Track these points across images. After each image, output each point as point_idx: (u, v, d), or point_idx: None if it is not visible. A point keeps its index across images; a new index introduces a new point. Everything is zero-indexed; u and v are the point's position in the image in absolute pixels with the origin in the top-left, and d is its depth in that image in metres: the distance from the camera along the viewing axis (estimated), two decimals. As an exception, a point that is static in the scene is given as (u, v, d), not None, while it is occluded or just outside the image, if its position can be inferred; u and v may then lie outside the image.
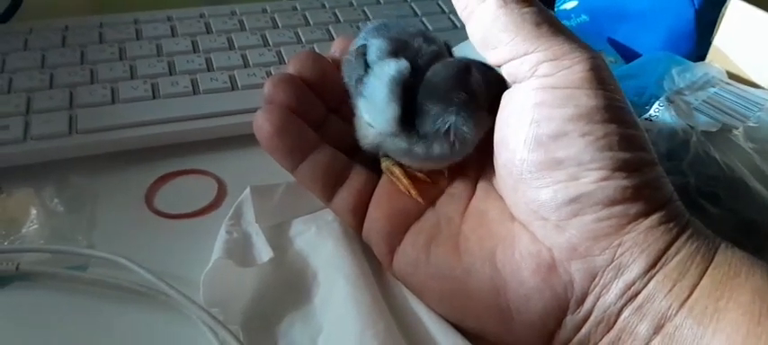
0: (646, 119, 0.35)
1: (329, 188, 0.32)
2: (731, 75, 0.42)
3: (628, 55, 0.49)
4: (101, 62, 0.45)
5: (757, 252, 0.32)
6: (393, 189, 0.31)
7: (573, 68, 0.26)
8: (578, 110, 0.25)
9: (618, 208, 0.25)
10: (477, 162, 0.31)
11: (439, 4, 0.56)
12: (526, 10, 0.27)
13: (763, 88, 0.41)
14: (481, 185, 0.31)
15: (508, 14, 0.26)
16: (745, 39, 0.42)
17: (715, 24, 0.44)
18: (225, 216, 0.34)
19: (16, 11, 0.53)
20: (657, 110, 0.35)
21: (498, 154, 0.28)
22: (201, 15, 0.52)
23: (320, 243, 0.32)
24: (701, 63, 0.41)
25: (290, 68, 0.33)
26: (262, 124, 0.31)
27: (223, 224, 0.33)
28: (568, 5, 0.52)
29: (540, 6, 0.27)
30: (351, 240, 0.32)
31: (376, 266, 0.32)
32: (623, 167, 0.25)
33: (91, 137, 0.40)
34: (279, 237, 0.34)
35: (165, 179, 0.39)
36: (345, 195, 0.32)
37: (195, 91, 0.43)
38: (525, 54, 0.26)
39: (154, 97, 0.43)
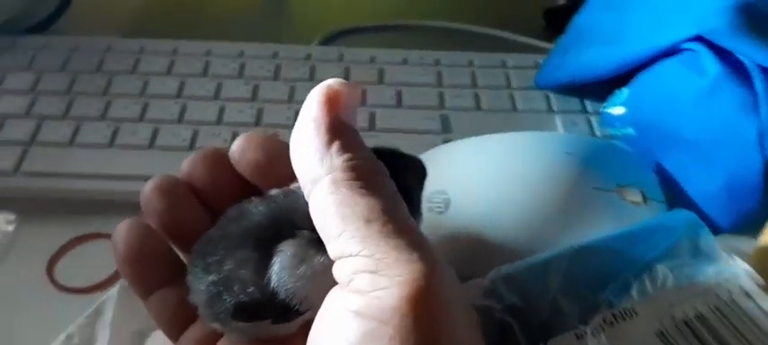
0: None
1: (176, 328, 0.28)
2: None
3: (677, 193, 0.38)
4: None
5: None
6: None
7: (389, 291, 0.20)
8: None
9: None
10: None
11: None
12: (359, 201, 0.21)
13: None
14: None
15: (337, 204, 0.21)
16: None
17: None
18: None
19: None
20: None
21: None
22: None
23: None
24: (726, 255, 0.30)
25: (183, 169, 0.30)
26: (117, 242, 0.27)
27: (74, 322, 0.31)
28: (615, 110, 0.41)
29: (387, 195, 0.22)
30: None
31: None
32: None
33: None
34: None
35: (70, 245, 0.37)
36: (189, 337, 0.28)
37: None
38: (349, 255, 0.21)
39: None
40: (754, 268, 0.34)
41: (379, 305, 0.20)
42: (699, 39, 0.37)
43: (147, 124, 0.43)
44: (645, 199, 0.36)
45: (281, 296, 0.24)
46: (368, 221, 0.21)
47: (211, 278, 0.25)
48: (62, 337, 0.30)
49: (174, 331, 0.28)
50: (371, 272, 0.20)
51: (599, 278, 0.28)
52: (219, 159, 0.29)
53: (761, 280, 0.30)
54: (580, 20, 0.47)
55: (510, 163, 0.36)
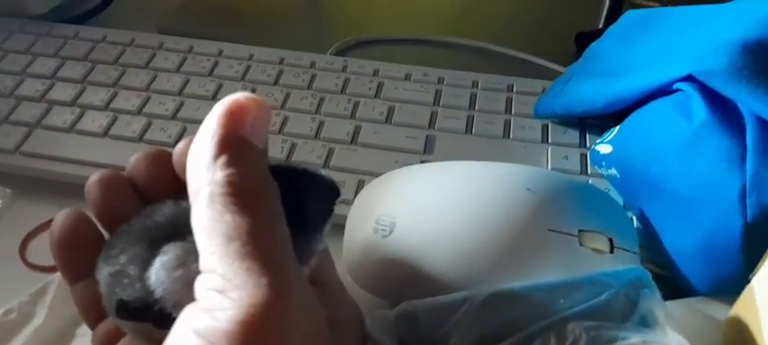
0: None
1: (92, 319, 0.29)
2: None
3: (655, 247, 0.34)
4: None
5: None
6: None
7: (226, 313, 0.20)
8: None
9: None
10: None
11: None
12: (227, 218, 0.21)
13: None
14: None
15: (208, 218, 0.22)
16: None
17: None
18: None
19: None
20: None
21: None
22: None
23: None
24: (664, 324, 0.27)
25: (128, 165, 0.31)
26: (54, 227, 0.29)
27: (17, 298, 0.33)
28: (603, 149, 0.38)
29: (260, 215, 0.22)
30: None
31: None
32: None
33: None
34: (68, 327, 0.32)
35: (45, 226, 0.39)
36: (102, 329, 0.29)
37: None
38: (208, 271, 0.21)
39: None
40: (724, 338, 0.31)
41: (214, 326, 0.20)
42: (691, 79, 0.34)
43: (142, 117, 0.45)
44: (613, 248, 0.33)
45: (157, 295, 0.24)
46: (229, 240, 0.21)
47: (108, 269, 0.25)
48: (0, 311, 0.32)
49: (91, 322, 0.29)
50: (219, 292, 0.20)
51: (504, 327, 0.26)
52: (162, 159, 0.29)
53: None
54: (594, 48, 0.44)
55: (462, 194, 0.34)
